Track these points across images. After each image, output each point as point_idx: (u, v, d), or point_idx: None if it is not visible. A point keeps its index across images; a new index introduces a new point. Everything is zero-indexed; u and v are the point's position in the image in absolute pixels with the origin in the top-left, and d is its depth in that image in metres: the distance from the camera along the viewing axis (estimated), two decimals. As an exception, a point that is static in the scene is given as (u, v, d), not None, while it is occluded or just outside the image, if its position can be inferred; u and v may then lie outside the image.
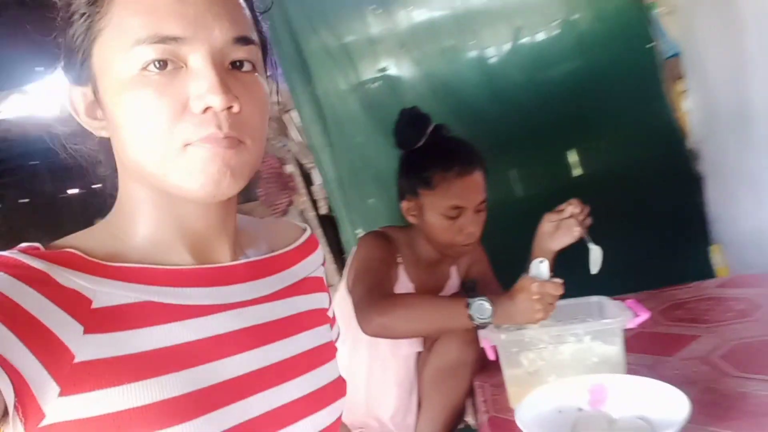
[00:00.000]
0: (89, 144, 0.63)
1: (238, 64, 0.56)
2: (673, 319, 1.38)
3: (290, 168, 2.24)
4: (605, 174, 2.08)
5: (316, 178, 2.20)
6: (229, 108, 0.54)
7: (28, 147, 2.95)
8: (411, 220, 1.34)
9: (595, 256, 1.20)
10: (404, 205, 1.34)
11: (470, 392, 1.26)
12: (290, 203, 2.24)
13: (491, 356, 1.06)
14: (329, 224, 2.24)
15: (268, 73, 0.64)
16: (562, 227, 1.23)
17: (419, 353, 1.34)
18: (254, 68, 0.58)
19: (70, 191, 4.42)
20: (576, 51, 1.96)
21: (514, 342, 1.04)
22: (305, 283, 0.72)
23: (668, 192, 2.01)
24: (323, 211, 2.26)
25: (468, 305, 1.06)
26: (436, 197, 1.27)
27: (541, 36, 2.00)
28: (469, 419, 1.41)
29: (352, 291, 1.22)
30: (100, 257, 0.56)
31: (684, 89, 1.95)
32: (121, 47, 0.53)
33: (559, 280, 1.04)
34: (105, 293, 0.53)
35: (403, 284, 1.33)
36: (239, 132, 0.55)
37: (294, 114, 2.21)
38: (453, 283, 1.44)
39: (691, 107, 1.96)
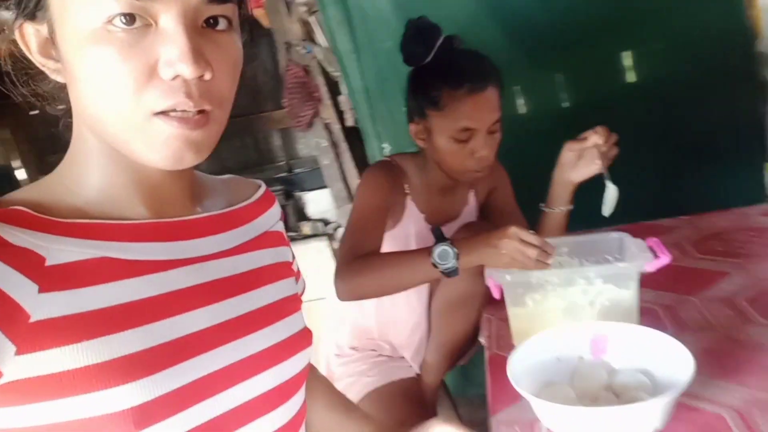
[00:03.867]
0: (43, 85, 0.58)
1: (212, 21, 0.52)
2: (705, 251, 1.29)
3: (315, 76, 2.14)
4: (659, 81, 1.90)
5: (344, 87, 2.10)
6: (201, 76, 0.50)
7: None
8: (420, 144, 1.25)
9: (611, 196, 1.11)
10: (412, 127, 1.25)
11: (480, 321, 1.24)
12: (315, 115, 2.16)
13: (496, 295, 1.02)
14: (356, 137, 2.17)
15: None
16: (584, 157, 1.13)
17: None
18: (230, 25, 0.54)
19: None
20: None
21: (519, 283, 1.00)
22: (266, 237, 0.71)
23: (726, 102, 1.84)
24: (350, 123, 2.18)
25: (431, 252, 1.01)
26: (445, 118, 1.16)
27: None
28: (482, 340, 1.41)
29: (339, 246, 1.17)
30: (53, 212, 0.54)
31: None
32: None
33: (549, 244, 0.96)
34: (59, 250, 0.52)
35: (413, 215, 1.28)
36: (209, 100, 0.52)
37: (321, 16, 2.07)
38: (471, 209, 1.38)
39: (768, 4, 1.72)
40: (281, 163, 2.89)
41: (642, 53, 1.91)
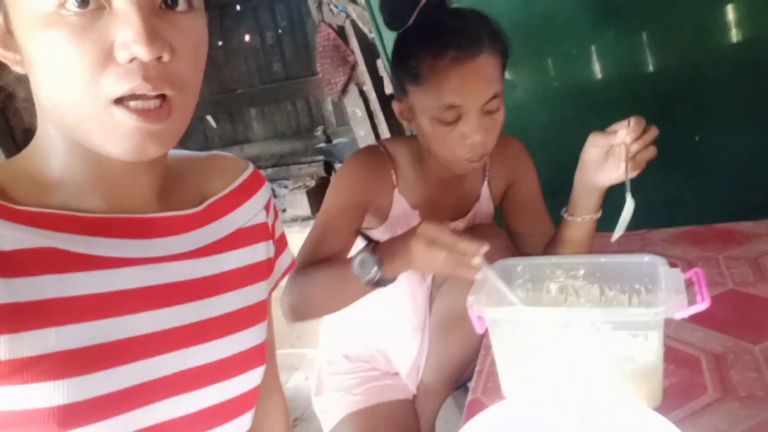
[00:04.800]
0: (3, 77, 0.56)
1: (170, 2, 0.50)
2: (785, 274, 0.99)
3: (349, 38, 1.93)
4: (761, 48, 1.51)
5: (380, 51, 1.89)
6: (159, 58, 0.48)
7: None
8: (406, 125, 1.03)
9: (626, 214, 0.84)
10: (395, 106, 1.03)
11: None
12: (349, 81, 1.97)
13: (479, 329, 0.80)
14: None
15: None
16: (614, 156, 0.86)
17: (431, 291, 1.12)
18: (190, 5, 0.51)
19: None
20: None
21: (504, 321, 0.78)
22: (239, 234, 0.67)
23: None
24: (389, 90, 1.96)
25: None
26: (426, 95, 0.93)
27: None
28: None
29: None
30: (9, 197, 0.53)
31: None
32: None
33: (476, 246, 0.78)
34: (6, 237, 0.50)
35: (402, 211, 1.07)
36: (170, 84, 0.50)
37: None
38: (484, 206, 1.14)
39: None
40: (318, 133, 2.72)
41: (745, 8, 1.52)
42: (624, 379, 0.73)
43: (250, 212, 0.69)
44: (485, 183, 1.14)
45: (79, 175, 0.56)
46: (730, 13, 1.55)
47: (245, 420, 0.66)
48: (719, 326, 0.87)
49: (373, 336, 1.19)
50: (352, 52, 1.93)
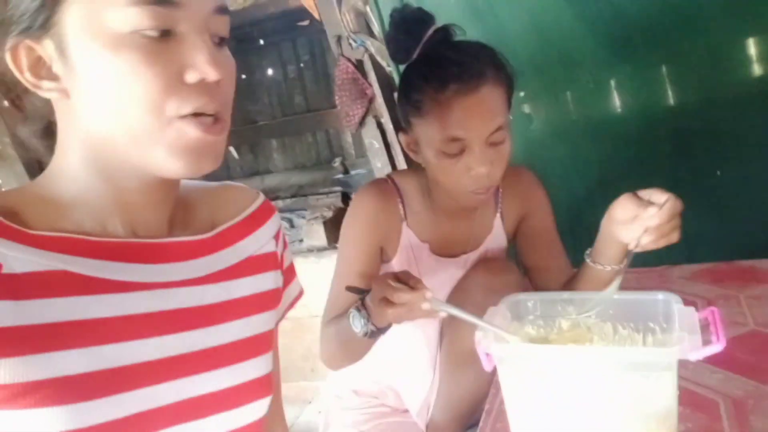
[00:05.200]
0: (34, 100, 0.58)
1: (216, 40, 0.55)
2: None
3: (368, 72, 1.95)
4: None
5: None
6: (218, 81, 0.53)
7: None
8: (413, 157, 1.03)
9: (614, 287, 0.82)
10: (401, 138, 1.04)
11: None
12: (366, 113, 1.98)
13: (487, 367, 0.78)
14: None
15: None
16: (640, 219, 0.82)
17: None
18: (223, 39, 0.57)
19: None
20: None
21: (512, 358, 0.76)
22: (249, 263, 0.67)
23: None
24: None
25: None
26: (430, 127, 0.93)
27: None
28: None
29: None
30: (23, 220, 0.54)
31: None
32: (110, 2, 0.49)
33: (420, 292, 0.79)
34: (16, 259, 0.51)
35: (411, 245, 1.06)
36: (222, 104, 0.55)
37: (374, 6, 1.89)
38: (497, 238, 1.13)
39: None
40: (336, 164, 2.74)
41: (762, 44, 1.51)
42: (636, 422, 0.70)
43: (260, 240, 0.70)
44: (498, 215, 1.12)
45: (96, 201, 0.57)
46: (748, 48, 1.54)
47: None
48: (739, 369, 0.84)
49: (383, 371, 1.17)
50: (371, 85, 1.95)
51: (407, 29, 0.98)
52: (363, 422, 1.13)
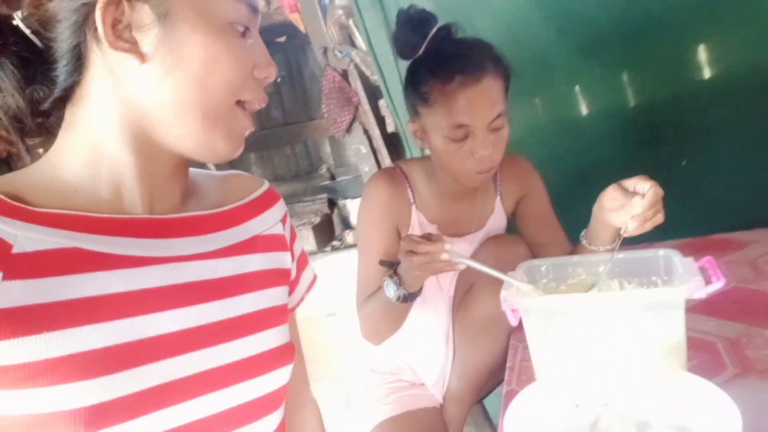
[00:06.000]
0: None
1: None
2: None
3: (353, 81, 2.05)
4: (735, 77, 1.66)
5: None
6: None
7: None
8: (420, 145, 1.14)
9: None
10: (410, 128, 1.13)
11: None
12: (353, 120, 2.07)
13: (513, 322, 0.87)
14: (398, 143, 2.06)
15: None
16: (627, 207, 0.92)
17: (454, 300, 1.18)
18: None
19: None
20: None
21: (537, 309, 0.84)
22: (258, 240, 0.69)
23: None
24: (391, 128, 2.07)
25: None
26: (437, 116, 1.04)
27: None
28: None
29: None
30: (31, 199, 0.53)
31: None
32: None
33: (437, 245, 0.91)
34: (27, 238, 0.51)
35: (421, 226, 1.15)
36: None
37: (359, 19, 1.99)
38: (498, 218, 1.22)
39: None
40: (323, 171, 2.82)
41: (720, 43, 1.68)
42: (651, 355, 0.79)
43: (267, 222, 0.72)
44: (498, 197, 1.22)
45: (118, 174, 0.57)
46: (707, 47, 1.70)
47: (273, 419, 0.65)
48: (729, 316, 0.95)
49: (398, 349, 1.24)
50: (356, 93, 2.05)
51: (413, 28, 1.08)
52: (384, 396, 1.19)
